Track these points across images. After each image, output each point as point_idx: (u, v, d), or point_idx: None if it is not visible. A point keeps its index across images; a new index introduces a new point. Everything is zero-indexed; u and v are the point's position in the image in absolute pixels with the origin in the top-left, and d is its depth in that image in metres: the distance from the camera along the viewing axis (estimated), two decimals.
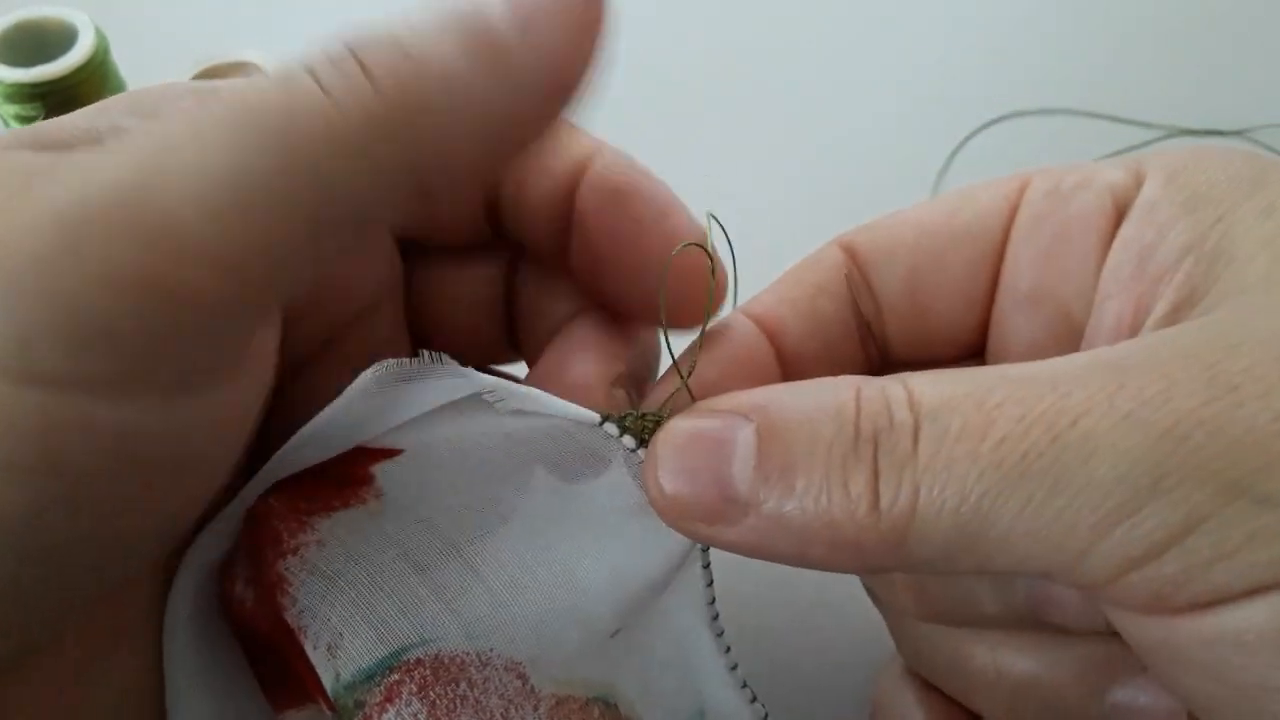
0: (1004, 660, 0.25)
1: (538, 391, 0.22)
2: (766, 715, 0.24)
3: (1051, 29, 0.60)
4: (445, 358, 0.22)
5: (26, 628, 0.18)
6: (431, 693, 0.21)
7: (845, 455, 0.20)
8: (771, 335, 0.26)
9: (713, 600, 0.24)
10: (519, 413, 0.22)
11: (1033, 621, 0.24)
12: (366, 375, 0.22)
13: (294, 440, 0.22)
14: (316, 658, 0.22)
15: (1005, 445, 0.18)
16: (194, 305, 0.16)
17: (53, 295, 0.15)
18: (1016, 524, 0.18)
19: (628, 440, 0.23)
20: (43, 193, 0.16)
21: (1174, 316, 0.22)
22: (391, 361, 0.22)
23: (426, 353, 0.22)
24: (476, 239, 0.27)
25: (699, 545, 0.23)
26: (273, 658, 0.23)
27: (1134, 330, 0.23)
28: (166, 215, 0.16)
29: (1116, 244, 0.24)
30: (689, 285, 0.24)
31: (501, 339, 0.28)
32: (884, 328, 0.27)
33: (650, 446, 0.22)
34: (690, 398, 0.23)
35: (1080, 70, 0.57)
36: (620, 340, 0.26)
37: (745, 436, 0.21)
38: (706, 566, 0.24)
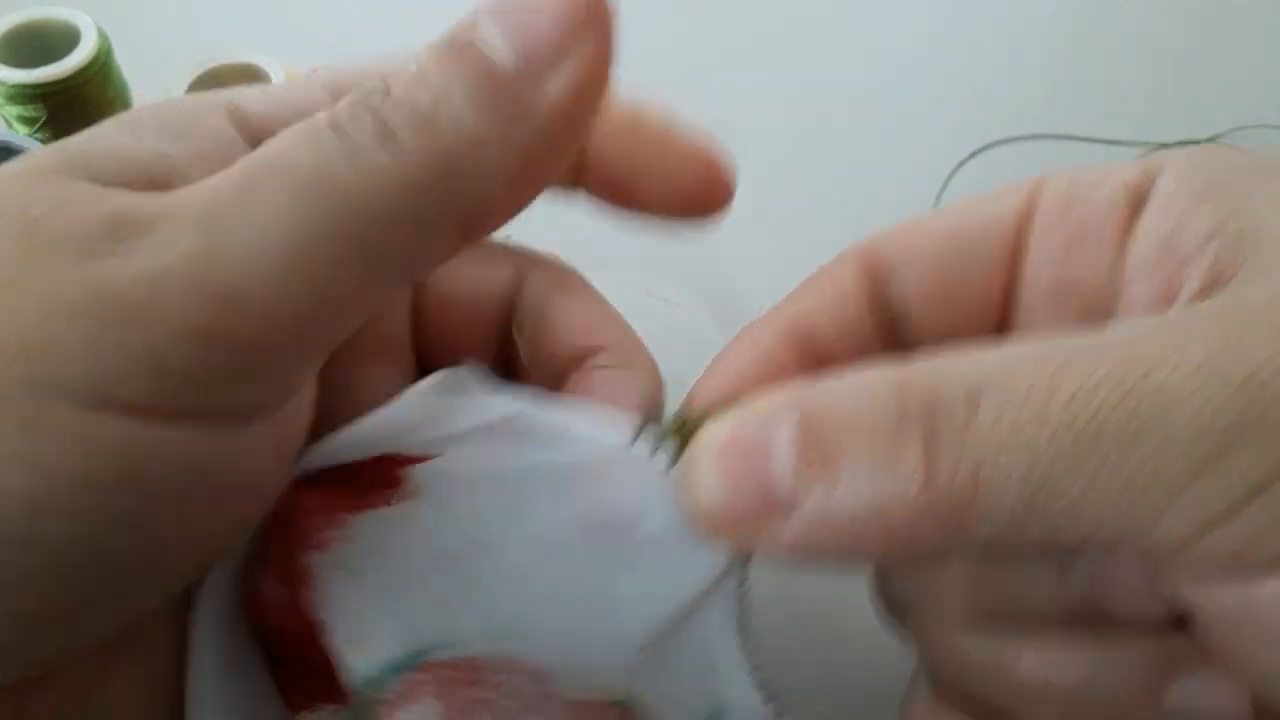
0: (1055, 665, 0.22)
1: (567, 413, 0.23)
2: (779, 716, 0.23)
3: (1026, 61, 0.61)
4: (484, 373, 0.23)
5: (70, 642, 0.19)
6: (451, 694, 0.21)
7: (890, 434, 0.19)
8: (803, 339, 0.26)
9: (742, 606, 0.23)
10: (550, 441, 0.23)
11: (1089, 615, 0.22)
12: (422, 385, 0.23)
13: (333, 440, 0.22)
14: (337, 651, 0.22)
15: (1076, 402, 0.17)
16: (258, 353, 0.19)
17: (139, 344, 0.18)
18: (1090, 488, 0.17)
19: (660, 461, 0.22)
20: (129, 257, 0.18)
21: (1205, 295, 0.21)
22: (446, 372, 0.23)
23: (468, 367, 0.23)
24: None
25: (739, 561, 0.23)
26: (294, 656, 0.23)
27: (1166, 309, 0.22)
28: (233, 283, 0.18)
29: (1137, 233, 0.23)
30: (705, 179, 0.26)
31: (496, 352, 0.28)
32: (908, 330, 0.26)
33: (684, 457, 0.21)
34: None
35: (1057, 96, 0.59)
36: (631, 382, 0.26)
37: (784, 434, 0.20)
38: (743, 583, 0.23)
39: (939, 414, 0.18)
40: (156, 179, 0.20)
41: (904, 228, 0.27)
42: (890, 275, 0.26)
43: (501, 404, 0.23)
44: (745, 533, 0.20)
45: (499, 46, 0.20)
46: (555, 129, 0.20)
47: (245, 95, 0.24)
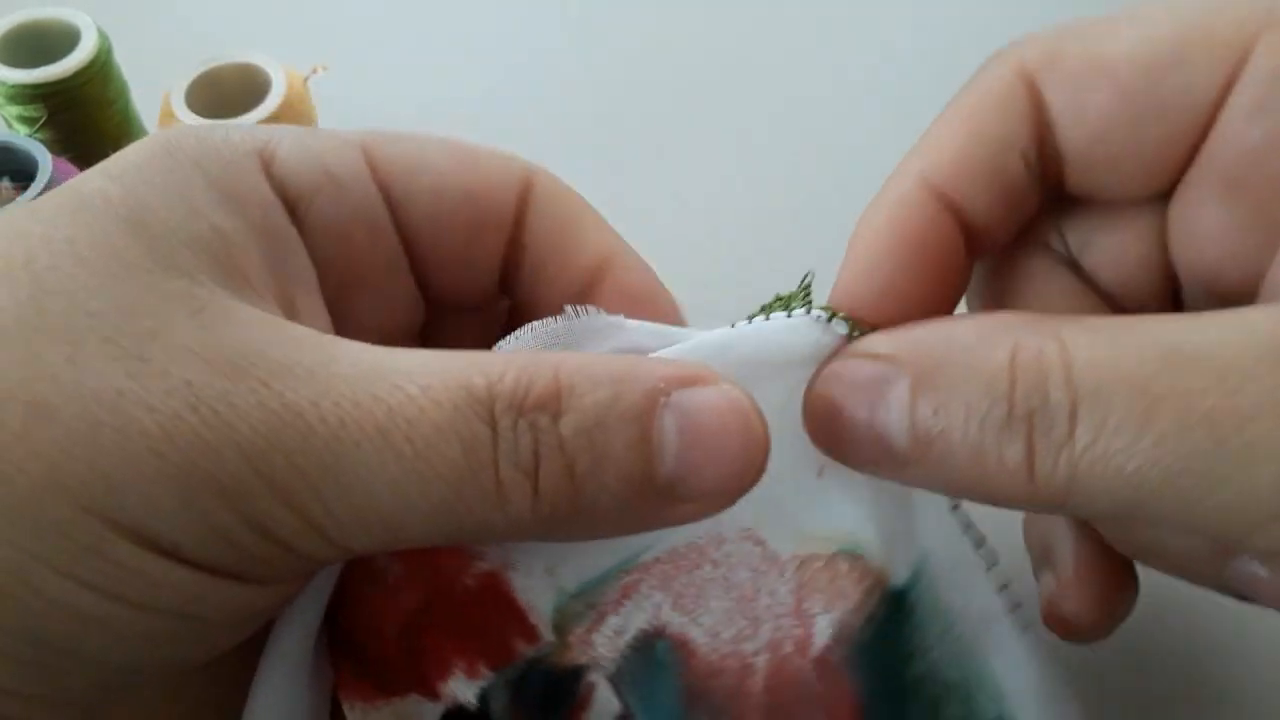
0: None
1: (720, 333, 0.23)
2: (994, 560, 0.23)
3: None
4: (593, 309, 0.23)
5: (121, 692, 0.21)
6: (675, 584, 0.22)
7: (1000, 429, 0.20)
8: (956, 210, 0.25)
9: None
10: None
11: None
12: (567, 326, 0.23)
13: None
14: (531, 584, 0.22)
15: (1165, 444, 0.19)
16: (314, 561, 0.20)
17: (219, 517, 0.19)
18: (1174, 511, 0.19)
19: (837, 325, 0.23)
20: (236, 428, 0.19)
21: None
22: (569, 313, 0.23)
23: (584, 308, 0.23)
24: (485, 299, 0.29)
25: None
26: (389, 642, 0.23)
27: None
28: (324, 513, 0.19)
29: None
30: None
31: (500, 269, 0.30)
32: (1060, 171, 0.25)
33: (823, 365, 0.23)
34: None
35: None
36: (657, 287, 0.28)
37: (899, 393, 0.22)
38: None
39: (1042, 423, 0.20)
40: (223, 261, 0.21)
41: (1076, 66, 0.24)
42: (1051, 119, 0.25)
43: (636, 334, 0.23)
44: (853, 459, 0.23)
45: (669, 449, 0.21)
46: (649, 527, 0.21)
47: (279, 143, 0.25)
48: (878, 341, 0.23)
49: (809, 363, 0.23)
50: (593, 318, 0.23)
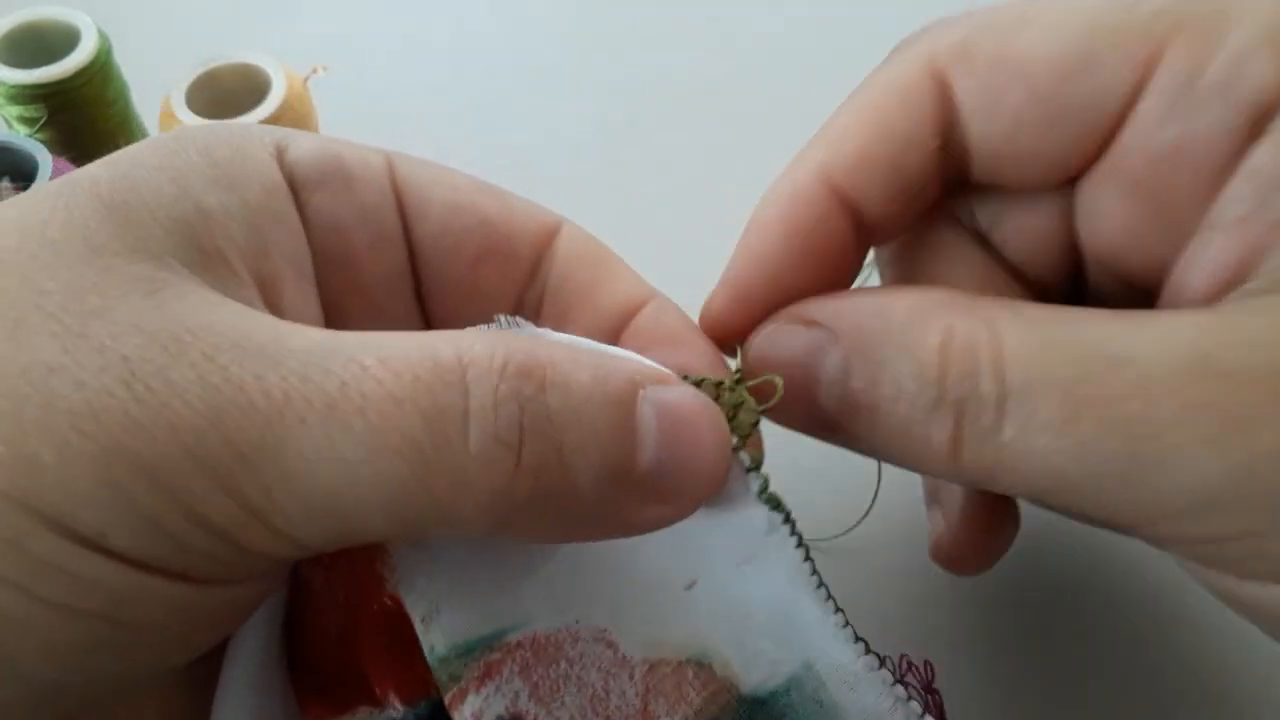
0: None
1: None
2: (884, 662, 0.23)
3: None
4: (521, 321, 0.23)
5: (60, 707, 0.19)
6: (534, 674, 0.21)
7: (928, 411, 0.21)
8: (852, 206, 0.25)
9: (814, 571, 0.23)
10: None
11: None
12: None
13: None
14: (419, 629, 0.21)
15: (1086, 445, 0.20)
16: (260, 558, 0.18)
17: (147, 503, 0.17)
18: (1089, 501, 0.21)
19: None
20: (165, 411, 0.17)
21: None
22: (503, 318, 0.23)
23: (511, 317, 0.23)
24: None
25: (781, 518, 0.23)
26: (329, 655, 0.23)
27: (1231, 282, 0.22)
28: (264, 497, 0.18)
29: (1243, 168, 0.22)
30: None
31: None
32: (967, 162, 0.25)
33: (742, 351, 0.24)
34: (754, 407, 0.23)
35: None
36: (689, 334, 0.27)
37: (833, 361, 0.22)
38: (800, 544, 0.23)
39: (970, 410, 0.21)
40: (200, 241, 0.20)
41: (987, 65, 0.24)
42: (960, 114, 0.24)
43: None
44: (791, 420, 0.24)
45: (649, 439, 0.20)
46: (613, 532, 0.21)
47: (296, 139, 0.24)
48: (813, 308, 0.24)
49: None
50: (522, 327, 0.22)
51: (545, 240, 0.26)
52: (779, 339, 0.24)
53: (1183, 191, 0.22)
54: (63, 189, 0.20)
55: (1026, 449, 0.20)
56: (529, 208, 0.27)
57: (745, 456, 0.23)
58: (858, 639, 0.22)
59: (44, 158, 0.40)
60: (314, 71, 0.47)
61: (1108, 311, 0.21)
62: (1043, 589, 0.36)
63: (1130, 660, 0.34)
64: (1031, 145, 0.24)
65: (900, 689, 0.22)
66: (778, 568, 0.23)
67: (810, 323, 0.23)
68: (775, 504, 0.23)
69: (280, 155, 0.23)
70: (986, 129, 0.24)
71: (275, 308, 0.22)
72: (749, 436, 0.23)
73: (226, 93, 0.46)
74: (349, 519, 0.18)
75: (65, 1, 0.46)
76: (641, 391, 0.20)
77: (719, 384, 0.23)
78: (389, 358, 0.18)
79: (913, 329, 0.21)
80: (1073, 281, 0.27)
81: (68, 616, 0.17)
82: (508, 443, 0.18)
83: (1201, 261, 0.22)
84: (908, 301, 0.22)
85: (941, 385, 0.21)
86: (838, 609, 0.23)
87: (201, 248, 0.20)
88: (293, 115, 0.45)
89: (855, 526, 0.36)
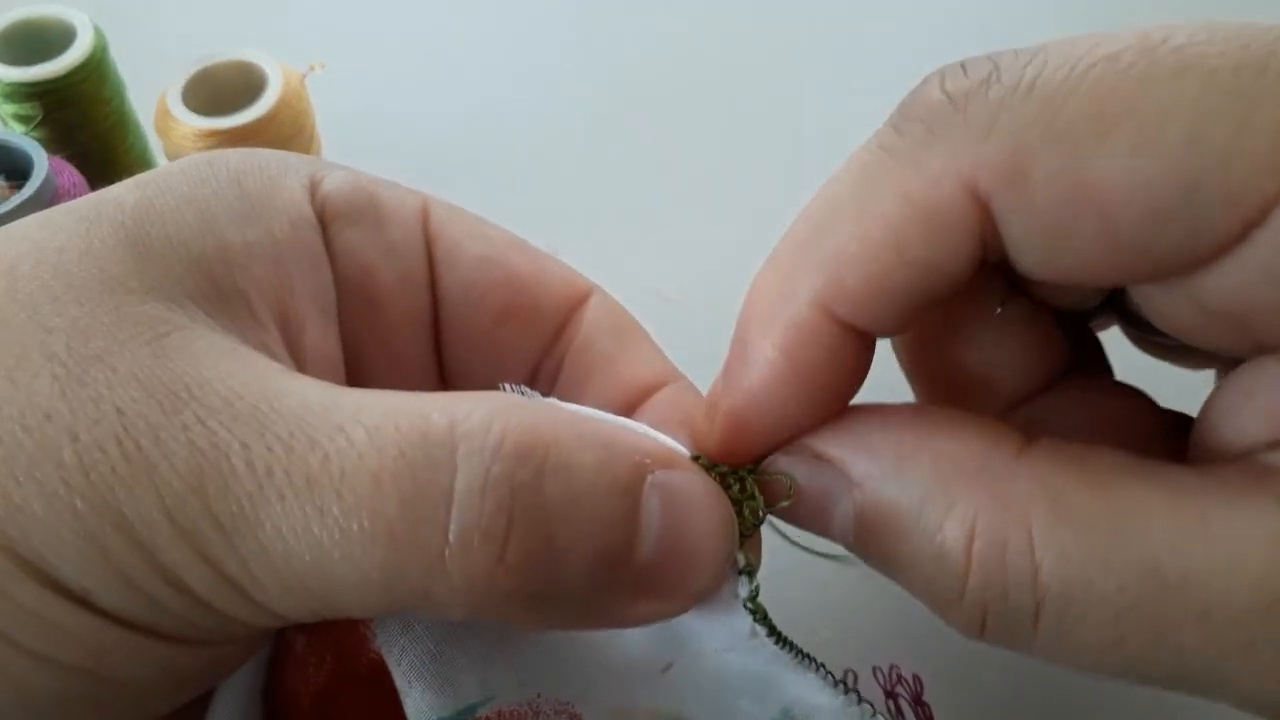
0: None
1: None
2: (862, 699, 0.22)
3: None
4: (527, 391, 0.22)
5: None
6: None
7: (951, 598, 0.19)
8: (860, 333, 0.21)
9: (797, 653, 0.22)
10: None
11: None
12: None
13: None
14: (400, 691, 0.21)
15: (1130, 664, 0.18)
16: (241, 627, 0.18)
17: (136, 564, 0.17)
18: (1129, 680, 0.19)
19: None
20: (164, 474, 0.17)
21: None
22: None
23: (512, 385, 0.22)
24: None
25: (766, 630, 0.22)
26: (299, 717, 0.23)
27: None
28: (243, 570, 0.17)
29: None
30: None
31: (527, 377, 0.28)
32: (1005, 265, 0.21)
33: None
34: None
35: None
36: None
37: (844, 510, 0.20)
38: (785, 646, 0.22)
39: (998, 612, 0.19)
40: (220, 281, 0.20)
41: (1050, 164, 0.18)
42: (1020, 251, 0.20)
43: None
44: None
45: (651, 532, 0.18)
46: (599, 625, 0.20)
47: (333, 173, 0.23)
48: (823, 442, 0.21)
49: None
50: (529, 396, 0.22)
51: (573, 305, 0.26)
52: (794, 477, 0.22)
53: (1272, 330, 0.19)
54: (88, 212, 0.20)
55: (1060, 654, 0.19)
56: (562, 271, 0.26)
57: (740, 557, 0.21)
58: (838, 682, 0.22)
59: (39, 156, 0.40)
60: (311, 69, 0.47)
61: (1163, 493, 0.18)
62: None
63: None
64: (1096, 278, 0.20)
65: None
66: (759, 657, 0.22)
67: (820, 458, 0.21)
68: (762, 615, 0.21)
69: (314, 188, 0.23)
70: (1041, 263, 0.20)
71: (295, 347, 0.22)
72: (749, 537, 0.22)
73: (223, 90, 0.46)
74: (326, 599, 0.18)
75: None
76: (650, 476, 0.18)
77: (730, 473, 0.22)
78: (379, 427, 0.17)
79: (931, 510, 0.19)
80: (1108, 303, 0.24)
81: (48, 668, 0.17)
82: (492, 534, 0.17)
83: (1267, 402, 0.19)
84: (927, 468, 0.20)
85: (965, 585, 0.19)
86: (819, 667, 0.22)
87: (220, 288, 0.20)
88: (290, 113, 0.45)
89: None
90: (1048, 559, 0.18)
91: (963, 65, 0.20)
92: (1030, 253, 0.19)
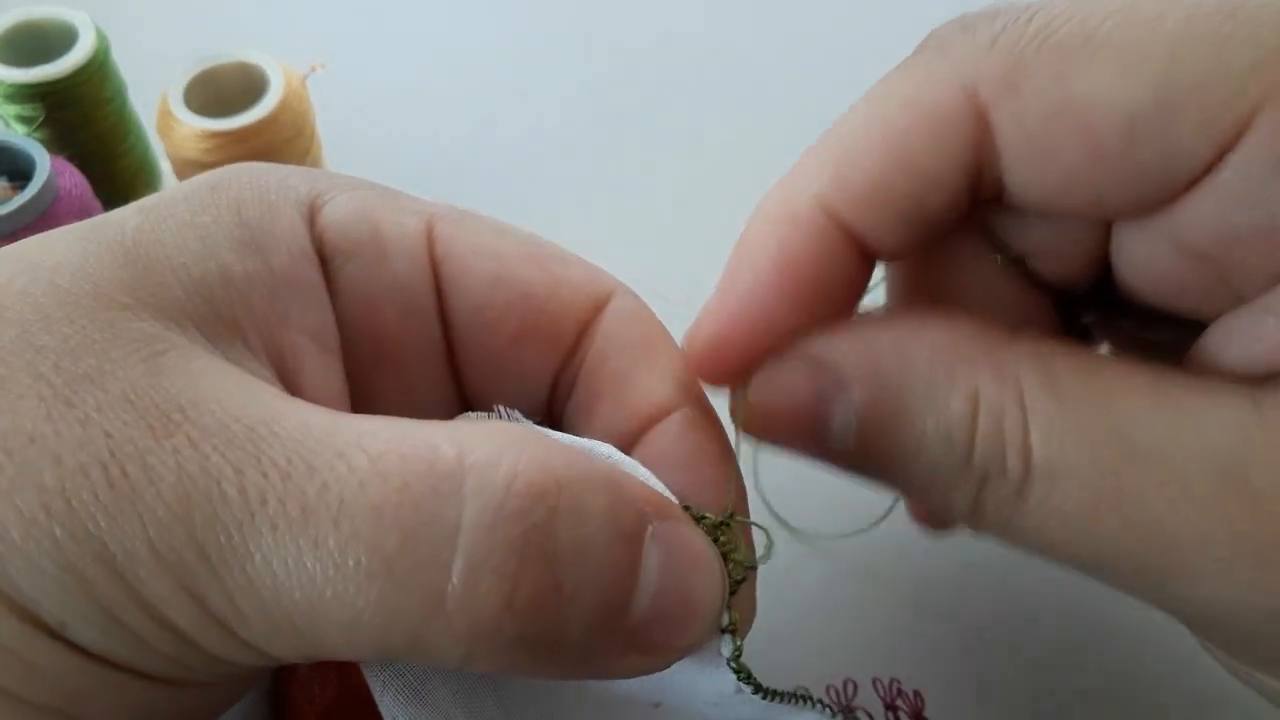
0: None
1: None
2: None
3: None
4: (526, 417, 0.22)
5: None
6: None
7: (951, 478, 0.20)
8: (858, 239, 0.22)
9: (758, 689, 0.22)
10: None
11: None
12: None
13: None
14: None
15: (1107, 541, 0.19)
16: (229, 668, 0.17)
17: (118, 600, 0.16)
18: (1109, 580, 0.20)
19: None
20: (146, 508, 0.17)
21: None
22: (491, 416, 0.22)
23: (508, 410, 0.22)
24: (531, 412, 0.26)
25: (751, 689, 0.21)
26: None
27: (1271, 371, 0.20)
28: (229, 610, 0.16)
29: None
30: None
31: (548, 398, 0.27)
32: (998, 190, 0.22)
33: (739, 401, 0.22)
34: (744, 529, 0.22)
35: None
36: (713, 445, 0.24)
37: (845, 406, 0.21)
38: (771, 700, 0.22)
39: (992, 483, 0.20)
40: (218, 307, 0.19)
41: (1043, 79, 0.19)
42: (1013, 159, 0.21)
43: None
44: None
45: (649, 585, 0.18)
46: (586, 675, 0.19)
47: (335, 195, 0.22)
48: (820, 346, 0.21)
49: None
50: (522, 423, 0.21)
51: (591, 313, 0.24)
52: (782, 382, 0.22)
53: (1249, 270, 0.20)
54: (88, 232, 0.19)
55: (1045, 529, 0.20)
56: (579, 275, 0.24)
57: (725, 615, 0.21)
58: (835, 715, 0.22)
59: (41, 157, 0.40)
60: (313, 69, 0.47)
61: (1146, 378, 0.19)
62: (1035, 614, 0.35)
63: (1126, 685, 0.34)
64: (1081, 198, 0.21)
65: None
66: (752, 707, 0.22)
67: (817, 362, 0.21)
68: (746, 675, 0.21)
69: (313, 217, 0.22)
70: (1031, 177, 0.21)
71: (292, 381, 0.21)
72: (735, 594, 0.21)
73: (224, 91, 0.46)
74: (315, 638, 0.16)
75: (63, 0, 0.46)
76: (650, 528, 0.18)
77: (719, 524, 0.21)
78: (382, 455, 0.16)
79: (937, 387, 0.20)
80: (1099, 280, 0.25)
81: (17, 709, 0.16)
82: (501, 573, 0.16)
83: (1246, 339, 0.20)
84: (928, 349, 0.20)
85: (967, 455, 0.20)
86: (814, 703, 0.22)
87: (219, 314, 0.19)
88: (291, 114, 0.45)
89: (875, 524, 0.36)
90: (1037, 427, 0.19)
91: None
92: (1020, 167, 0.21)
